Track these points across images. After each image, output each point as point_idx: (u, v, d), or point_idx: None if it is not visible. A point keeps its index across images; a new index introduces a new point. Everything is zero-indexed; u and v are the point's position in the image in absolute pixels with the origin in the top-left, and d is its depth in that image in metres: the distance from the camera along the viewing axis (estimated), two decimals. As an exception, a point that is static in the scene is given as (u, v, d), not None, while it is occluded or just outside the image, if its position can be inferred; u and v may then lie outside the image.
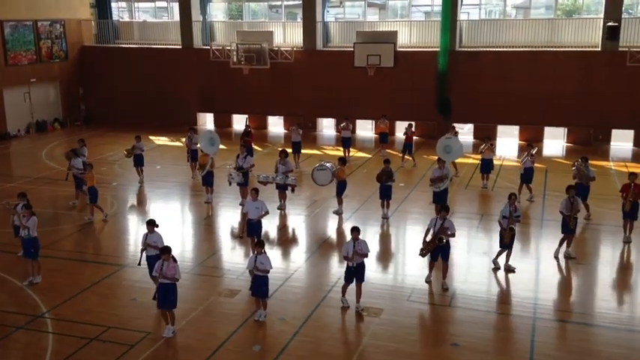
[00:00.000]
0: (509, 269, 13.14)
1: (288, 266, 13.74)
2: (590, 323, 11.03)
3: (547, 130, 26.58)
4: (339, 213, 16.78)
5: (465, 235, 15.57)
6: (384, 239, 15.67)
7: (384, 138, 24.49)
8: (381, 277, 13.34)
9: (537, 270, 13.54)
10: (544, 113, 25.86)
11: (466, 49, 27.04)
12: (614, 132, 25.60)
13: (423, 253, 12.48)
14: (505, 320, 11.16)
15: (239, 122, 30.31)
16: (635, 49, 24.04)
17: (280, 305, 11.68)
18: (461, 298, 11.97)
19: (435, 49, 26.75)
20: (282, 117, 29.90)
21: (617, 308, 11.73)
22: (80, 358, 9.90)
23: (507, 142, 26.66)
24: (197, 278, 12.98)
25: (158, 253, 10.78)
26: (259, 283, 10.85)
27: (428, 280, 12.59)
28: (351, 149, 23.94)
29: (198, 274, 13.16)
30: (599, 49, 24.98)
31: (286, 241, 15.51)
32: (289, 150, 19.55)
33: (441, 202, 15.06)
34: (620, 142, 25.60)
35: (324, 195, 18.00)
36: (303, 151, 22.75)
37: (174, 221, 17.12)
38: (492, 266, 13.28)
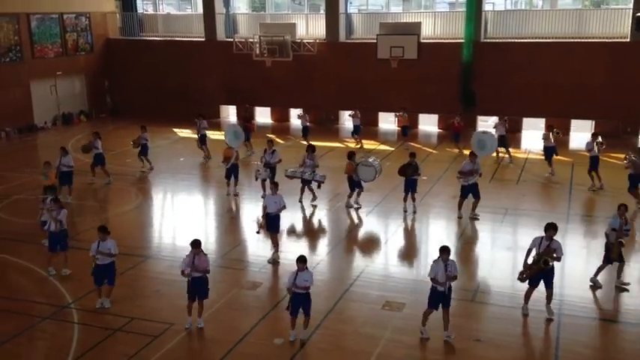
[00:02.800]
0: (622, 285, 11.94)
1: (311, 259, 13.71)
2: (616, 320, 10.83)
3: (574, 122, 26.13)
4: (350, 206, 16.77)
5: (489, 230, 15.42)
6: (406, 233, 15.57)
7: (405, 131, 24.40)
8: (404, 270, 13.29)
9: (562, 265, 13.33)
10: (570, 105, 25.39)
11: (491, 40, 26.65)
12: (644, 124, 25.07)
13: (522, 278, 10.91)
14: (530, 316, 11.00)
15: (262, 115, 30.40)
16: (666, 40, 23.49)
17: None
18: (485, 294, 11.85)
19: (459, 41, 26.42)
20: (303, 110, 29.84)
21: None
22: (105, 348, 10.03)
23: (532, 135, 26.28)
24: (219, 271, 13.03)
25: (112, 262, 11.06)
26: (302, 300, 9.94)
27: (525, 313, 10.95)
28: (360, 137, 24.56)
29: (221, 266, 13.22)
30: (628, 39, 24.43)
31: (309, 233, 15.51)
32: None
33: (468, 196, 15.61)
34: (650, 134, 25.06)
35: (346, 188, 17.94)
36: (324, 143, 22.80)
37: (197, 213, 17.25)
38: (590, 284, 12.06)
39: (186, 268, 10.30)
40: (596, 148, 17.93)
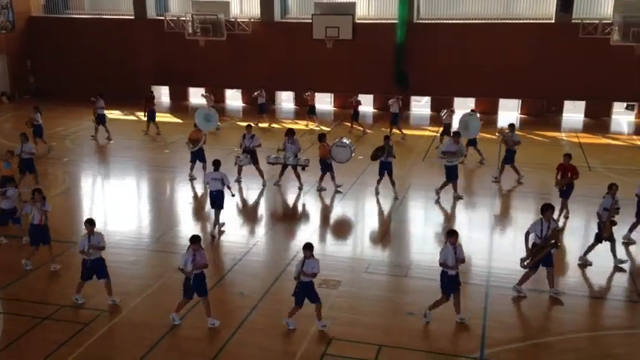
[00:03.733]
0: (619, 265, 12.06)
1: (248, 241, 13.69)
2: (543, 290, 11.33)
3: (502, 101, 26.99)
4: (322, 189, 16.58)
5: (422, 207, 15.79)
6: (341, 211, 15.72)
7: (312, 111, 24.69)
8: (339, 249, 13.42)
9: (490, 239, 13.85)
10: (499, 85, 26.20)
11: (424, 21, 27.04)
12: (567, 103, 26.16)
13: (526, 265, 10.75)
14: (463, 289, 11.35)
15: (195, 96, 29.86)
16: (587, 21, 24.46)
17: (239, 279, 11.66)
18: (417, 269, 12.14)
19: (393, 21, 26.68)
20: (240, 90, 29.50)
21: (564, 276, 12.05)
22: (33, 337, 9.69)
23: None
24: (153, 255, 12.82)
25: (99, 257, 10.57)
26: (308, 288, 9.79)
27: (523, 295, 10.91)
28: (268, 116, 24.97)
29: (155, 250, 12.99)
30: (553, 20, 25.34)
31: (247, 215, 15.42)
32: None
33: (453, 178, 15.66)
34: (572, 113, 26.19)
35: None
36: (262, 124, 22.66)
37: (129, 196, 16.82)
38: (579, 262, 12.21)
39: (187, 265, 9.79)
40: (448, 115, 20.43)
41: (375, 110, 27.72)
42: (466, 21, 26.39)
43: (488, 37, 25.90)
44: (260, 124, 23.96)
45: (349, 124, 23.69)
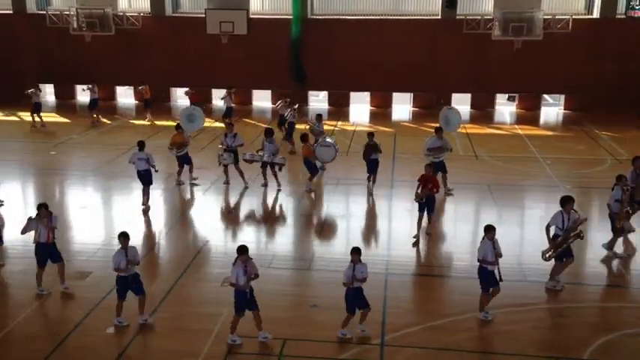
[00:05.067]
0: (615, 256, 12.30)
1: (147, 242, 13.27)
2: (442, 275, 11.86)
3: (395, 95, 27.90)
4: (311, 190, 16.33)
5: (325, 201, 15.99)
6: (248, 207, 15.62)
7: (148, 104, 24.57)
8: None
9: (388, 229, 14.31)
10: (392, 79, 27.04)
11: (318, 17, 27.37)
12: (455, 96, 27.47)
13: (548, 257, 10.84)
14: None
15: (85, 93, 28.45)
16: (470, 17, 25.78)
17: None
18: (319, 261, 12.31)
19: (288, 17, 26.78)
20: (131, 87, 28.46)
21: (460, 259, 12.71)
22: None
23: (360, 109, 27.64)
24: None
25: (136, 272, 9.75)
26: (358, 294, 9.43)
27: (559, 289, 10.89)
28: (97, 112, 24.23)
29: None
30: (440, 17, 26.50)
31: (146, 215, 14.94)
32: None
33: (442, 172, 15.49)
34: (460, 105, 27.49)
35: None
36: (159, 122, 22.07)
37: (15, 202, 15.78)
38: (610, 255, 12.28)
39: (240, 279, 9.12)
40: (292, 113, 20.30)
41: (274, 106, 27.71)
42: (359, 17, 27.00)
43: (380, 33, 26.64)
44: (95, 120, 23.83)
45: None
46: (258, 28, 26.76)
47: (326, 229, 14.21)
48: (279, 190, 16.35)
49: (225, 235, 14.03)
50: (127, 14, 27.03)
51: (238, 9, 26.38)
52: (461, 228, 14.50)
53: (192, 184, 16.76)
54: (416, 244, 12.98)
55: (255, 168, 16.69)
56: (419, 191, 12.96)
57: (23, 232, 10.81)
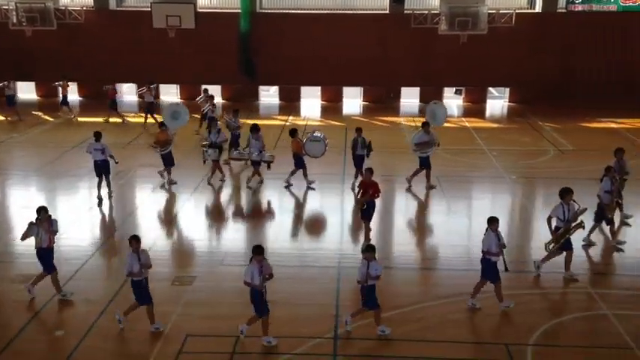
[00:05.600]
0: (619, 244, 12.60)
1: (92, 243, 12.94)
2: (390, 266, 11.99)
3: (346, 89, 28.02)
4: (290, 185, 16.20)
5: (276, 195, 15.95)
6: (193, 205, 15.41)
7: (64, 100, 24.09)
8: (194, 244, 13.15)
9: (341, 222, 14.38)
10: (342, 74, 27.12)
11: (267, 11, 27.19)
12: (404, 90, 27.80)
13: (551, 248, 11.13)
14: (314, 272, 11.69)
15: (25, 90, 27.52)
16: (418, 12, 26.09)
17: (84, 285, 10.96)
18: (273, 257, 12.20)
19: (236, 11, 26.51)
20: (75, 83, 27.62)
21: (408, 251, 12.91)
22: None
23: (311, 103, 27.66)
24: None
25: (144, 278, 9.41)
26: (371, 292, 9.37)
27: (575, 279, 11.08)
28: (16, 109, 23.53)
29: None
30: (387, 12, 26.72)
31: (90, 218, 14.55)
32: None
33: (428, 168, 15.58)
34: (409, 98, 27.91)
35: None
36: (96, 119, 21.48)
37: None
38: (583, 243, 12.40)
39: (255, 279, 9.00)
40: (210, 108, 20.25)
41: (225, 101, 27.45)
42: (309, 12, 26.96)
43: (330, 28, 26.67)
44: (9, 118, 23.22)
45: (107, 116, 23.20)
46: (206, 22, 26.38)
47: (280, 225, 14.17)
48: (260, 184, 16.24)
49: (173, 232, 13.81)
50: (70, 8, 26.20)
51: (185, 2, 25.93)
52: (411, 220, 14.71)
53: (171, 183, 16.39)
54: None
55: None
56: (360, 197, 12.42)
57: (24, 238, 10.40)
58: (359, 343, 9.40)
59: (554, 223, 11.14)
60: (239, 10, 26.33)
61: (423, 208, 15.36)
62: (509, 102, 27.79)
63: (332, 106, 27.33)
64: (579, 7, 25.78)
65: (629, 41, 25.84)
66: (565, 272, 11.22)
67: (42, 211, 10.24)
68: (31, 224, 10.25)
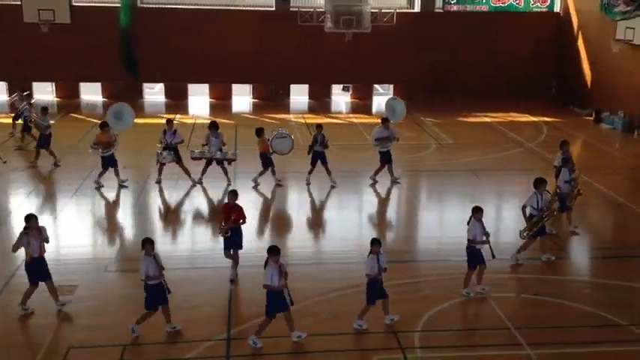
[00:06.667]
0: (575, 228, 13.25)
1: None
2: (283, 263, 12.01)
3: (235, 87, 27.72)
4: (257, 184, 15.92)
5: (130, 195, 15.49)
6: (75, 208, 14.59)
7: None
8: (75, 251, 12.43)
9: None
10: (230, 71, 26.80)
11: (149, 6, 26.26)
12: (293, 87, 27.96)
13: (526, 235, 11.72)
14: (206, 274, 11.47)
15: None
16: (304, 10, 26.31)
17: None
18: (164, 260, 11.87)
19: (116, 5, 25.37)
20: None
21: (303, 246, 13.02)
22: None
23: (199, 101, 27.11)
24: None
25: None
26: (381, 284, 9.58)
27: (550, 259, 11.89)
28: None
29: None
30: (274, 8, 26.74)
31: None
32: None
33: (388, 162, 16.03)
34: (298, 95, 28.12)
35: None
36: None
37: None
38: (552, 231, 12.90)
39: (274, 280, 8.97)
40: None
41: (105, 99, 26.24)
42: (194, 7, 26.36)
43: (216, 24, 26.22)
44: None
45: None
46: (83, 16, 24.99)
47: (160, 226, 13.77)
48: (228, 185, 15.71)
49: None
50: None
51: (59, -5, 24.44)
52: (303, 217, 14.84)
53: (121, 186, 15.67)
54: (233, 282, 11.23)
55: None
56: (223, 224, 10.99)
57: (15, 249, 9.92)
58: (252, 342, 9.34)
59: (528, 212, 11.75)
60: (119, 4, 25.23)
61: (315, 204, 15.53)
62: (394, 98, 28.76)
63: (221, 103, 26.94)
64: (455, 8, 27.22)
65: (500, 40, 27.62)
66: (542, 255, 11.96)
67: (32, 218, 9.83)
68: (21, 234, 9.79)
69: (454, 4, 27.10)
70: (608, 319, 9.94)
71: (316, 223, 14.46)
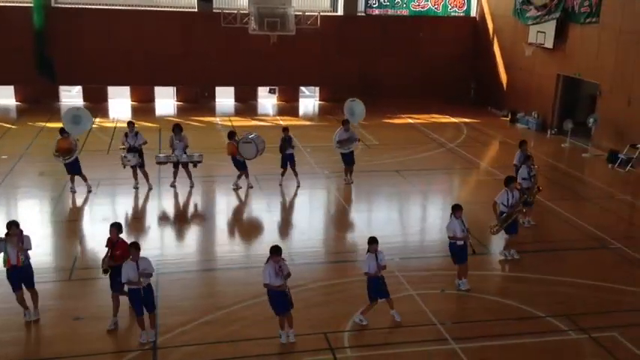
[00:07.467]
0: (531, 224, 13.94)
1: None
2: (209, 268, 11.85)
3: (158, 89, 27.08)
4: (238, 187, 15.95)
5: (82, 203, 14.91)
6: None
7: None
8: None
9: (158, 226, 13.88)
10: (152, 73, 26.18)
11: (63, 6, 25.22)
12: (218, 89, 27.62)
13: (495, 231, 12.14)
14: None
15: None
16: (227, 11, 26.06)
17: None
18: (79, 270, 11.45)
19: (28, 5, 24.20)
20: None
21: (230, 250, 12.88)
22: None
23: (120, 104, 26.31)
24: None
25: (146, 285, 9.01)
26: (382, 282, 9.73)
27: (517, 258, 12.41)
28: None
29: None
30: (196, 9, 26.32)
31: None
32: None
33: (351, 164, 16.48)
34: (224, 98, 27.81)
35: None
36: None
37: None
38: (526, 225, 13.70)
39: (274, 280, 8.92)
40: None
41: (19, 103, 24.98)
42: (112, 7, 25.53)
43: (137, 25, 25.54)
44: None
45: None
46: (-7, 16, 23.73)
47: (91, 234, 13.25)
48: (191, 187, 15.85)
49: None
50: None
51: (-34, -7, 23.09)
52: (231, 220, 14.71)
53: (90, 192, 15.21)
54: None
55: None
56: (106, 259, 9.54)
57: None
58: (180, 350, 9.14)
59: (499, 209, 12.06)
60: (31, 4, 24.08)
61: (242, 207, 15.40)
62: (320, 100, 28.99)
63: (143, 106, 26.25)
64: (376, 12, 27.76)
65: (421, 42, 28.40)
66: (504, 250, 12.45)
67: (12, 225, 9.51)
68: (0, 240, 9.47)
69: (375, 7, 27.63)
70: (529, 312, 10.41)
71: (242, 226, 14.38)
